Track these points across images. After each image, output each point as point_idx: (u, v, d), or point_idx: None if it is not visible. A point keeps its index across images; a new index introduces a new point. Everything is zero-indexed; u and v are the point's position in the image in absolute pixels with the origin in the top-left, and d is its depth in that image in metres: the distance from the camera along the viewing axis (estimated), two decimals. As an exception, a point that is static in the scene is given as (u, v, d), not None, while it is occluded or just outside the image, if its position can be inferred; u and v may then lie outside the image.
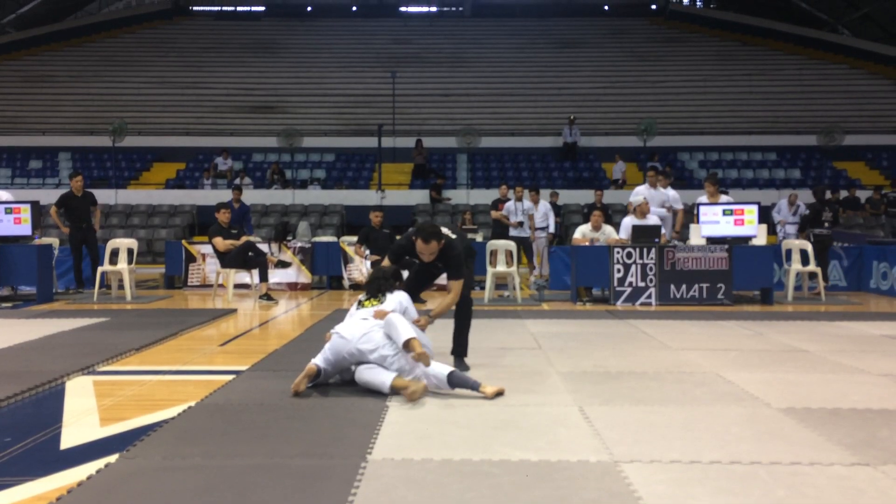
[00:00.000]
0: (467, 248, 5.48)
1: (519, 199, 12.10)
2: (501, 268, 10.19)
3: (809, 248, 10.29)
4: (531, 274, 12.37)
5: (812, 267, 10.14)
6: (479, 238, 12.30)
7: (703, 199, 10.32)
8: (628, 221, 9.99)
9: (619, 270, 9.44)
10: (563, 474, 3.05)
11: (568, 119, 21.89)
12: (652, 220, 10.06)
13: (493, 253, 10.37)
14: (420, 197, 18.85)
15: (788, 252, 10.32)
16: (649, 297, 9.40)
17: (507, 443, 3.46)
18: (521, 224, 12.06)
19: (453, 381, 4.39)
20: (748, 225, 9.70)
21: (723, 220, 9.75)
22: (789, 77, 26.41)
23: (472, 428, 3.72)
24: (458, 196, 19.03)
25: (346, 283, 11.62)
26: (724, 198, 10.39)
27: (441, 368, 4.44)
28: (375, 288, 4.95)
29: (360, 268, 11.27)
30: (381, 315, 4.61)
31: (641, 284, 9.41)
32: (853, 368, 5.22)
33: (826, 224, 11.12)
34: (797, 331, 7.04)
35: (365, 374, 4.48)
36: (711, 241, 9.64)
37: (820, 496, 2.82)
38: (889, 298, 10.28)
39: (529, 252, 12.35)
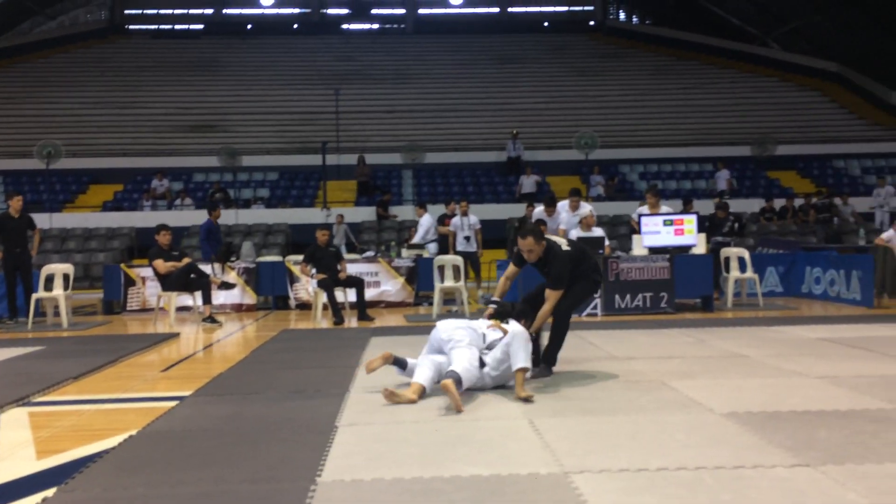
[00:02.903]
0: (588, 265, 5.51)
1: (464, 213, 12.16)
2: (449, 283, 10.20)
3: (747, 255, 10.59)
4: (479, 288, 12.42)
5: (749, 273, 10.43)
6: (425, 254, 12.30)
7: (644, 210, 10.54)
8: (574, 234, 10.13)
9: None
10: (515, 488, 3.06)
11: (511, 133, 22.13)
12: (596, 232, 10.23)
13: (441, 268, 10.39)
14: (366, 214, 18.79)
15: (727, 260, 10.60)
16: (595, 307, 9.52)
17: (458, 459, 3.45)
18: (467, 239, 12.12)
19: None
20: (688, 234, 9.93)
21: (663, 230, 9.96)
22: (723, 90, 27.24)
23: (423, 445, 3.70)
24: (405, 212, 19.03)
25: (292, 303, 11.47)
26: (664, 208, 10.63)
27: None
28: (502, 315, 5.26)
29: (306, 287, 11.15)
30: (499, 326, 5.00)
31: (587, 296, 9.53)
32: (791, 372, 5.38)
33: (725, 232, 11.46)
34: (737, 336, 7.22)
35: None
36: (653, 251, 9.84)
37: (763, 499, 2.88)
38: (822, 302, 10.63)
39: (477, 266, 12.40)
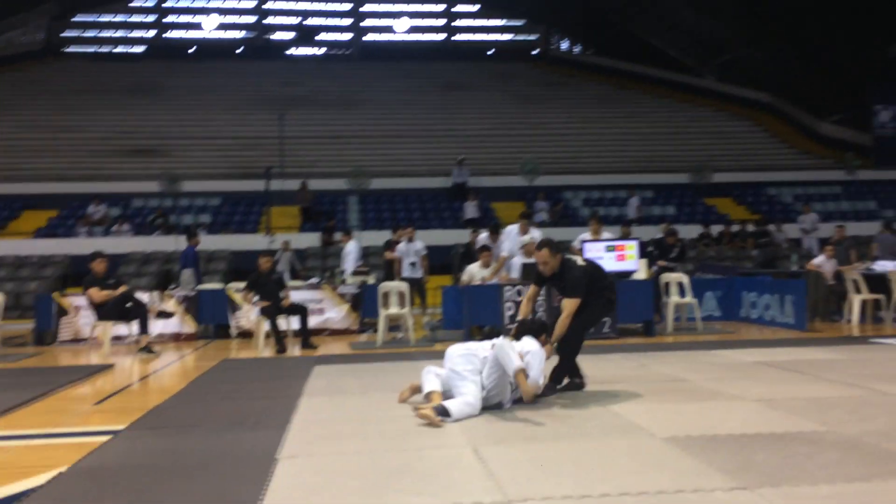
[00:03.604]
0: (603, 284, 5.66)
1: (410, 240, 12.15)
2: (394, 310, 10.15)
3: (686, 280, 10.82)
4: (425, 315, 12.39)
5: (689, 299, 10.65)
6: (370, 281, 12.23)
7: (587, 236, 10.69)
8: (517, 261, 10.21)
9: (510, 308, 9.60)
10: (458, 519, 3.02)
11: (456, 160, 22.28)
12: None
13: (386, 295, 10.33)
14: (311, 240, 18.62)
15: (667, 285, 10.81)
16: (539, 333, 9.57)
17: (401, 489, 3.40)
18: (412, 265, 12.09)
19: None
20: (629, 260, 10.11)
21: (606, 255, 10.11)
22: (662, 119, 28.00)
23: (365, 477, 3.63)
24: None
25: (233, 331, 11.24)
26: (606, 234, 10.81)
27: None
28: (520, 332, 5.43)
29: (248, 315, 10.94)
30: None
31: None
32: (729, 395, 5.48)
33: (673, 258, 11.75)
34: (677, 361, 7.35)
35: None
36: (596, 276, 9.95)
37: (703, 523, 2.91)
38: (758, 326, 10.91)
39: (423, 292, 12.37)
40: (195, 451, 4.23)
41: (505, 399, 5.10)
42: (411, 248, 12.04)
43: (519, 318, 5.83)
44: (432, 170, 23.67)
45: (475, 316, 9.88)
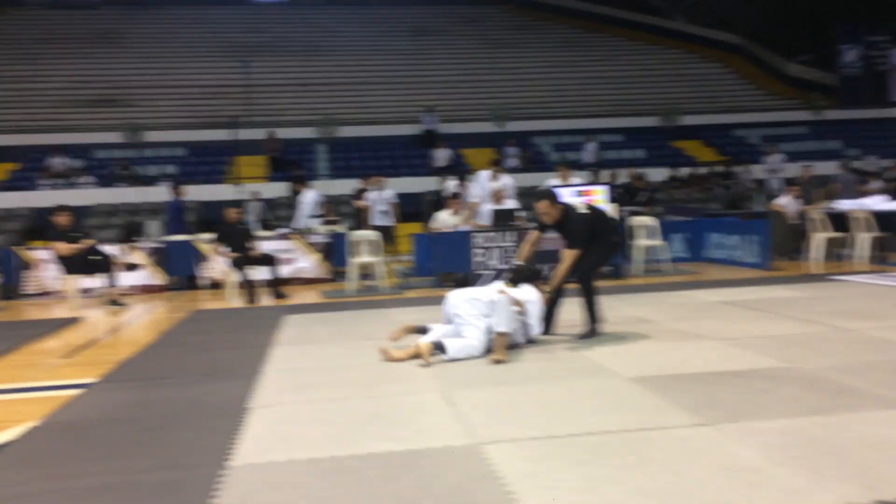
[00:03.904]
0: (606, 227, 5.73)
1: (379, 188, 12.08)
2: (365, 258, 10.14)
3: (654, 224, 10.93)
4: (396, 262, 12.41)
5: (657, 241, 10.78)
6: (341, 229, 12.18)
7: (556, 181, 10.71)
8: (487, 207, 10.22)
9: (479, 254, 9.65)
10: (428, 461, 3.09)
11: (426, 107, 22.04)
12: (509, 204, 10.35)
13: (357, 244, 10.31)
14: (280, 190, 18.43)
15: (636, 228, 10.91)
16: (510, 278, 9.65)
17: (372, 435, 3.46)
18: (383, 213, 12.07)
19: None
20: (599, 205, 10.15)
21: (575, 201, 10.14)
22: (632, 62, 27.81)
23: (337, 424, 3.69)
24: (319, 187, 18.72)
25: (203, 282, 11.18)
26: (575, 179, 10.84)
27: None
28: (517, 278, 5.54)
29: (218, 266, 10.87)
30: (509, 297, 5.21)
31: (501, 266, 9.66)
32: (694, 335, 5.61)
33: (642, 202, 11.89)
34: (645, 302, 7.48)
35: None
36: (565, 221, 10.01)
37: (665, 458, 3.01)
38: (724, 266, 11.09)
39: (393, 240, 12.37)
40: (167, 403, 4.25)
41: (518, 339, 5.29)
42: (381, 197, 12.00)
43: (516, 261, 5.90)
44: (402, 117, 23.39)
45: (445, 263, 9.93)
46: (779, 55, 27.86)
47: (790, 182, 12.63)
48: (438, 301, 8.46)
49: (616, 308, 7.15)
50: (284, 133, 20.89)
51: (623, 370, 4.54)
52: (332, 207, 14.77)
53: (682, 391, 3.99)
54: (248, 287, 9.21)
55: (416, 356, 4.93)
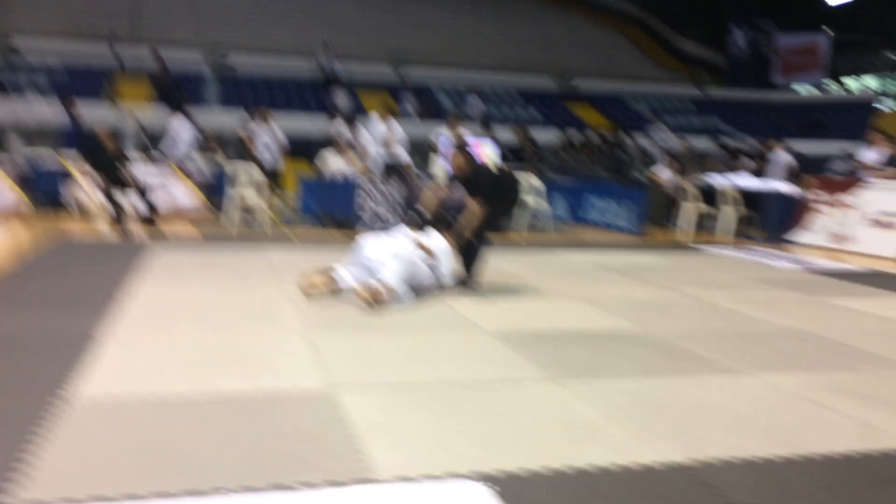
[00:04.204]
0: (511, 190, 5.94)
1: (266, 122, 11.70)
2: (246, 193, 9.86)
3: (538, 183, 11.16)
4: (279, 201, 12.12)
5: (541, 200, 11.02)
6: (222, 162, 11.75)
7: (446, 132, 10.72)
8: (375, 152, 10.12)
9: (365, 199, 9.58)
10: (277, 403, 3.08)
11: (321, 44, 21.40)
12: (399, 150, 10.29)
13: (238, 178, 9.99)
14: (163, 116, 17.50)
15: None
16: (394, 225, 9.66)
17: (224, 375, 3.41)
18: (268, 149, 11.70)
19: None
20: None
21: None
22: (533, 21, 27.94)
23: (188, 361, 3.60)
24: (204, 116, 17.95)
25: (69, 206, 10.55)
26: (465, 132, 10.88)
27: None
28: (418, 222, 5.78)
29: (87, 190, 10.27)
30: (421, 244, 5.40)
31: (386, 213, 9.65)
32: (560, 294, 5.81)
33: (525, 158, 12.18)
34: (520, 260, 7.66)
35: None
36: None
37: (509, 410, 3.12)
38: (601, 230, 11.52)
39: (278, 179, 12.06)
40: (14, 330, 4.02)
41: (426, 285, 5.45)
42: (267, 131, 11.62)
43: (426, 212, 6.00)
44: (297, 51, 22.63)
45: (330, 205, 9.80)
46: (673, 30, 28.74)
47: (669, 154, 13.16)
48: (319, 244, 8.40)
49: (492, 264, 7.29)
50: (171, 55, 19.78)
51: (486, 324, 4.65)
52: (216, 139, 14.23)
53: (538, 347, 4.14)
54: (117, 215, 8.77)
55: (332, 288, 5.17)
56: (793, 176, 11.52)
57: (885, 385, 3.71)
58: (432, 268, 5.50)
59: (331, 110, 18.03)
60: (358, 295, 4.98)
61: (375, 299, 4.93)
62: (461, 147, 6.08)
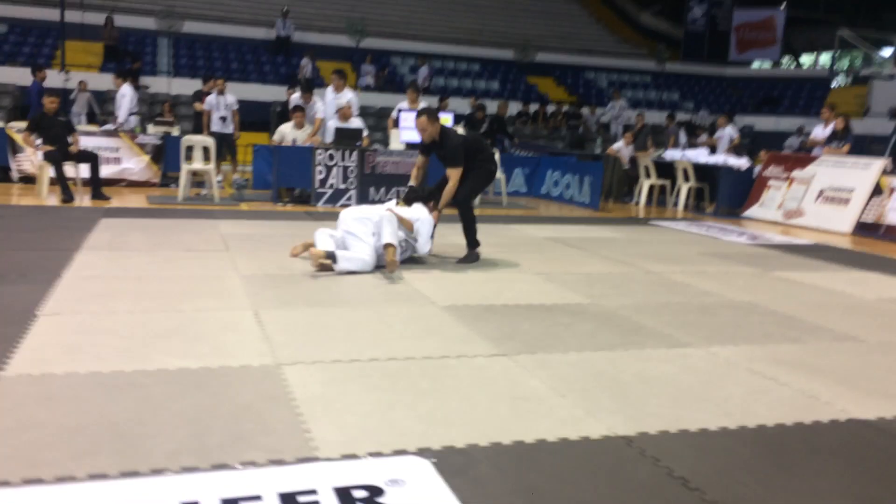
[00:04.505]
0: (484, 155, 5.96)
1: (221, 92, 11.43)
2: (198, 164, 9.65)
3: (496, 156, 11.11)
4: (234, 172, 11.90)
5: (497, 173, 10.98)
6: (175, 132, 11.47)
7: (405, 104, 10.59)
8: (332, 124, 9.96)
9: (321, 172, 9.44)
10: (221, 380, 3.01)
11: (281, 11, 20.97)
12: (355, 123, 10.14)
13: (190, 148, 9.76)
14: (113, 82, 17.00)
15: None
16: (349, 198, 9.55)
17: (167, 351, 3.32)
18: (223, 119, 11.45)
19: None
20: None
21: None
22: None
23: (132, 337, 3.51)
24: (158, 84, 17.54)
25: (14, 175, 10.23)
26: (422, 104, 10.74)
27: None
28: (410, 198, 5.81)
29: (31, 158, 9.96)
30: (399, 217, 5.41)
31: (342, 186, 9.52)
32: (513, 268, 5.81)
33: (483, 132, 12.16)
34: (477, 233, 7.61)
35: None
36: (410, 146, 9.98)
37: (458, 385, 3.10)
38: (558, 204, 11.56)
39: (233, 149, 11.82)
40: (-58, 305, 3.87)
41: (403, 255, 5.53)
42: (222, 101, 11.35)
43: (410, 183, 6.08)
44: (255, 18, 22.16)
45: (285, 177, 9.64)
46: (633, 2, 28.76)
47: (626, 129, 13.22)
48: (273, 216, 8.27)
49: (446, 236, 7.24)
50: (123, 21, 19.21)
51: (438, 298, 4.62)
52: (171, 109, 13.89)
53: (489, 321, 4.13)
54: (64, 184, 8.52)
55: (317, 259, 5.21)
56: (735, 149, 11.69)
57: (829, 357, 3.78)
58: (410, 239, 5.57)
59: (292, 82, 17.70)
60: (312, 256, 5.15)
61: (322, 265, 5.09)
62: (424, 109, 6.00)
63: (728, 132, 12.31)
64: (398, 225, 5.38)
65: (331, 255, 5.14)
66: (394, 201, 5.82)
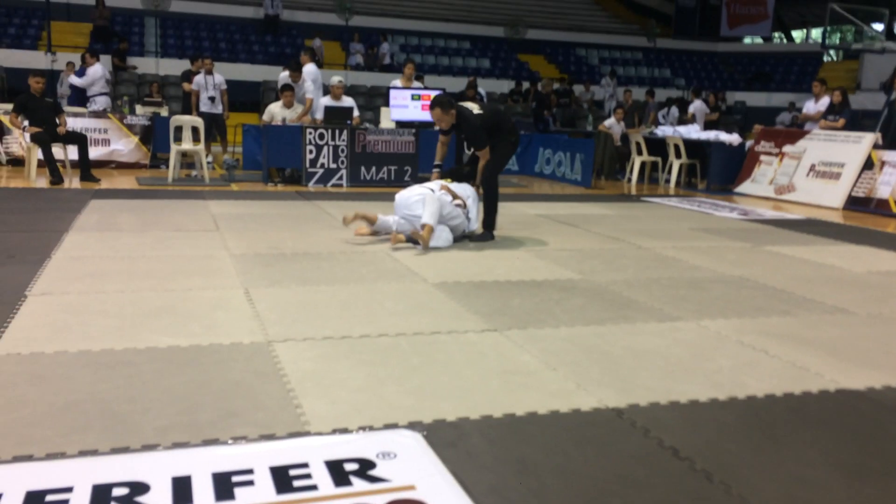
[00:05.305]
0: (505, 128, 5.88)
1: (209, 72, 11.32)
2: (187, 145, 9.58)
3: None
4: (224, 153, 11.83)
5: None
6: (163, 112, 11.38)
7: (398, 83, 10.52)
8: (322, 102, 9.90)
9: (311, 152, 9.39)
10: (212, 358, 3.01)
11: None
12: (346, 101, 10.07)
13: (179, 129, 9.70)
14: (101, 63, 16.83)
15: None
16: (340, 178, 9.52)
17: (157, 330, 3.32)
18: (211, 99, 11.36)
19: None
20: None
21: (411, 104, 10.06)
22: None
23: (121, 316, 3.50)
24: (146, 65, 17.38)
25: (2, 157, 10.15)
26: (416, 84, 10.69)
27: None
28: (457, 176, 5.93)
29: (18, 140, 9.88)
30: (454, 193, 5.61)
31: (333, 166, 9.48)
32: (505, 245, 5.81)
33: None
34: (468, 211, 7.61)
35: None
36: (400, 124, 9.94)
37: (449, 361, 3.11)
38: (550, 182, 11.55)
39: (222, 130, 11.75)
40: (-70, 286, 3.84)
41: (457, 232, 5.68)
42: (210, 81, 11.26)
43: (436, 161, 6.02)
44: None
45: (275, 157, 9.58)
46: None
47: (617, 105, 13.19)
48: (264, 196, 8.23)
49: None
50: (110, 1, 18.97)
51: (430, 275, 4.62)
52: (159, 90, 13.78)
53: (481, 298, 4.13)
54: (52, 166, 8.45)
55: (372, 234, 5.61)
56: (707, 124, 11.81)
57: (819, 329, 3.80)
58: (463, 213, 5.66)
59: (280, 60, 17.56)
60: (393, 239, 5.39)
61: (413, 239, 5.31)
62: (436, 100, 5.76)
63: (697, 106, 12.41)
64: (450, 202, 5.51)
65: (410, 239, 5.40)
66: (438, 182, 5.75)
